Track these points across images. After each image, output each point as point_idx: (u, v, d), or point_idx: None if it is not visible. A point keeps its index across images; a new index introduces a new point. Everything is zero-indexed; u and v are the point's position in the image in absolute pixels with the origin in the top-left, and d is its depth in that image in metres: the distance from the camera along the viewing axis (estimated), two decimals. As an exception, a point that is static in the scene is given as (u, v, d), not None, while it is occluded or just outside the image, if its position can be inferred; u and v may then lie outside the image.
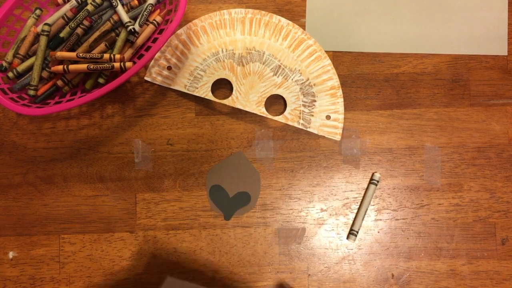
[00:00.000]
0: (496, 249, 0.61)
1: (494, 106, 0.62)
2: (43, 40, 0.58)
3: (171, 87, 0.61)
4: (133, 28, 0.59)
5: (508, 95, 0.62)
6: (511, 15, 0.63)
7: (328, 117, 0.61)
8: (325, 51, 0.62)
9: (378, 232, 0.61)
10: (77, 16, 0.59)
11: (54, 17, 0.60)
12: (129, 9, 0.61)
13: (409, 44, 0.63)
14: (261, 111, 0.61)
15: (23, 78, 0.59)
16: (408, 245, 0.61)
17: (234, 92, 0.61)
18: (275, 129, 0.62)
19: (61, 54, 0.57)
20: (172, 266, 0.60)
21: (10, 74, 0.59)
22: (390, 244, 0.61)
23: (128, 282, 0.60)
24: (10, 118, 0.62)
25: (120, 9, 0.59)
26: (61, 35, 0.59)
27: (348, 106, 0.62)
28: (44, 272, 0.60)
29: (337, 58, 0.63)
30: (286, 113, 0.61)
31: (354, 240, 0.60)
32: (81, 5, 0.60)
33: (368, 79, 0.63)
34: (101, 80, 0.59)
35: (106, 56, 0.58)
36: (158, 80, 0.61)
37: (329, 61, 0.62)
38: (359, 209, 0.61)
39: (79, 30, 0.59)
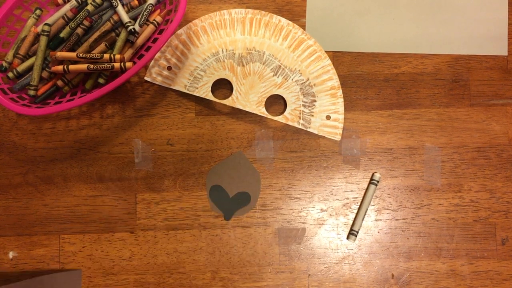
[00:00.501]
0: (496, 249, 0.61)
1: (494, 106, 0.62)
2: (43, 40, 0.58)
3: (171, 87, 0.61)
4: (133, 28, 0.59)
5: (508, 95, 0.62)
6: (511, 15, 0.63)
7: (328, 117, 0.61)
8: (325, 51, 0.62)
9: (378, 232, 0.61)
10: (77, 16, 0.59)
11: (54, 17, 0.60)
12: (129, 9, 0.61)
13: (409, 44, 0.63)
14: (261, 111, 0.61)
15: (23, 78, 0.59)
16: (408, 245, 0.61)
17: (234, 92, 0.61)
18: (275, 129, 0.62)
19: (61, 54, 0.57)
20: (172, 266, 0.60)
21: (10, 74, 0.59)
22: (390, 244, 0.61)
23: (128, 282, 0.60)
24: (10, 118, 0.62)
25: (120, 9, 0.59)
26: (61, 35, 0.59)
27: (348, 106, 0.62)
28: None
29: (337, 58, 0.63)
30: (286, 113, 0.61)
31: (354, 240, 0.60)
32: (81, 5, 0.60)
33: (368, 79, 0.63)
34: (101, 80, 0.59)
35: (106, 56, 0.58)
36: (158, 80, 0.61)
37: (329, 61, 0.62)
38: (359, 209, 0.61)
39: (79, 30, 0.59)
